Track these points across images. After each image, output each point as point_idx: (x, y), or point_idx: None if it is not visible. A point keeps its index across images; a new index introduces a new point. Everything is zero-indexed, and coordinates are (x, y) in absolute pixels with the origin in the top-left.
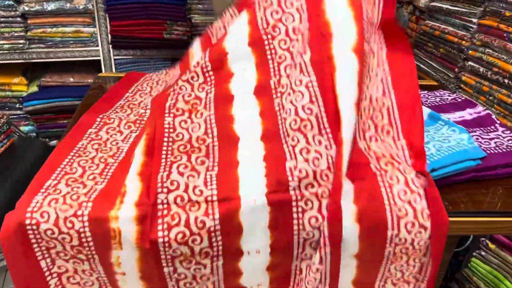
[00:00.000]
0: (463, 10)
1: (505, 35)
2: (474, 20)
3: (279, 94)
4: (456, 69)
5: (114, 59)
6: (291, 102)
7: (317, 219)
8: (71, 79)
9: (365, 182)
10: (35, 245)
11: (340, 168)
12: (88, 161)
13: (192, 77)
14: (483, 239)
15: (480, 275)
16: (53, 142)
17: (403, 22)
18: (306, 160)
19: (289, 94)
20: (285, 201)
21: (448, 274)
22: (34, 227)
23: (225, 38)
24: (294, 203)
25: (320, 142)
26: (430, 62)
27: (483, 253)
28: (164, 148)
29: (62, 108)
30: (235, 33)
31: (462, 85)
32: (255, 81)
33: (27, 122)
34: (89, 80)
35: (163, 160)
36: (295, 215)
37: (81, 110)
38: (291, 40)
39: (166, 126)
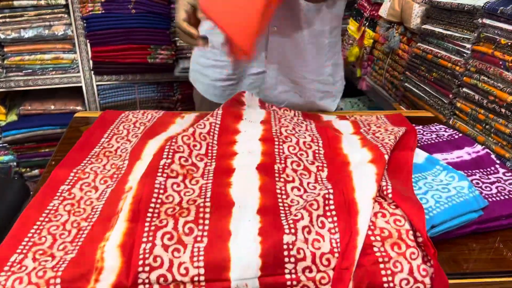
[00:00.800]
0: (456, 34)
1: (500, 63)
2: (468, 46)
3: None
4: (451, 95)
5: (97, 85)
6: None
7: None
8: (52, 107)
9: (367, 270)
10: None
11: (353, 261)
12: (59, 227)
13: (194, 145)
14: None
15: None
16: (35, 171)
17: (393, 43)
18: (306, 241)
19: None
20: (279, 284)
21: None
22: None
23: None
24: None
25: (323, 224)
26: (423, 87)
27: None
28: (150, 210)
29: (44, 137)
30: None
31: (457, 112)
32: (259, 160)
33: (6, 152)
34: (71, 107)
35: (147, 225)
36: None
37: (59, 152)
38: (301, 150)
39: (157, 186)
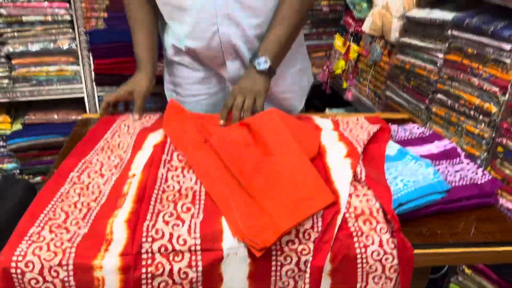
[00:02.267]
0: (430, 46)
1: (469, 70)
2: (440, 56)
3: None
4: (427, 101)
5: (98, 96)
6: None
7: (293, 271)
8: (56, 116)
9: (342, 243)
10: None
11: (332, 235)
12: (71, 206)
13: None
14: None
15: None
16: (37, 179)
17: (376, 55)
18: None
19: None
20: (265, 254)
21: None
22: (20, 276)
23: None
24: (273, 257)
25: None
26: (403, 94)
27: (460, 278)
28: (154, 196)
29: (47, 145)
30: None
31: (433, 116)
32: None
33: (11, 160)
34: (73, 117)
35: (151, 208)
36: (273, 268)
37: (66, 149)
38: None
39: (159, 176)
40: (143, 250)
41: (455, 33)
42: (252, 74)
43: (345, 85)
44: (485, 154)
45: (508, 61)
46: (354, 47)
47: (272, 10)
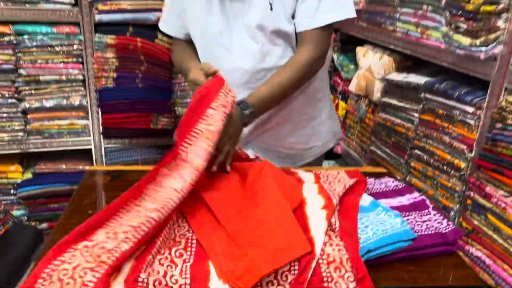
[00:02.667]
0: (407, 106)
1: (440, 129)
2: (416, 115)
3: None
4: (406, 156)
5: (105, 148)
6: None
7: None
8: (64, 166)
9: (315, 286)
10: None
11: (306, 277)
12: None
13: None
14: None
15: None
16: (44, 225)
17: (361, 113)
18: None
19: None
20: None
21: None
22: None
23: None
24: None
25: None
26: (385, 149)
27: None
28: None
29: (54, 193)
30: None
31: (411, 170)
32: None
33: (19, 207)
34: (80, 167)
35: (153, 251)
36: None
37: (76, 197)
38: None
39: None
40: (140, 279)
41: (428, 95)
42: (243, 115)
43: None
44: (457, 206)
45: (472, 122)
46: (342, 104)
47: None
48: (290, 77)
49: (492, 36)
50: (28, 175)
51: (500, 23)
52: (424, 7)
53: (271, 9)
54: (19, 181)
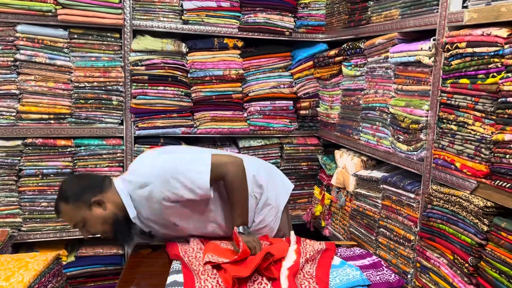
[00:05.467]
0: (373, 195)
1: (395, 211)
2: (379, 201)
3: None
4: (374, 234)
5: None
6: None
7: None
8: (101, 250)
9: None
10: None
11: None
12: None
13: None
14: None
15: None
16: None
17: (342, 202)
18: None
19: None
20: None
21: None
22: None
23: None
24: None
25: None
26: (360, 229)
27: None
28: None
29: (93, 274)
30: None
31: (379, 245)
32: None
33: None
34: (114, 250)
35: None
36: None
37: (124, 276)
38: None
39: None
40: None
41: (385, 186)
42: (247, 233)
43: (323, 223)
44: (412, 270)
45: (414, 205)
46: (327, 195)
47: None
48: (237, 193)
49: (419, 144)
50: (71, 258)
51: (422, 136)
52: (377, 123)
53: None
54: (64, 263)
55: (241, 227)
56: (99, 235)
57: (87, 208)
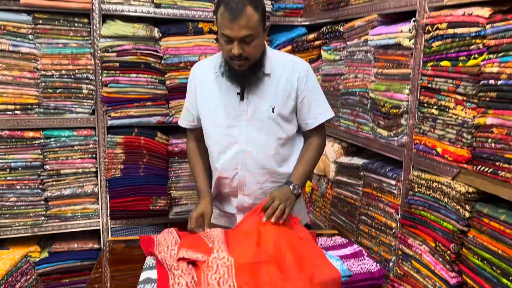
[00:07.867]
0: (353, 182)
1: (376, 198)
2: (360, 189)
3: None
4: (356, 221)
5: (111, 228)
6: None
7: None
8: (76, 245)
9: None
10: None
11: None
12: None
13: None
14: None
15: None
16: None
17: (323, 189)
18: None
19: None
20: None
21: None
22: None
23: None
24: None
25: None
26: (341, 217)
27: None
28: None
29: (68, 269)
30: None
31: (361, 232)
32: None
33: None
34: (90, 245)
35: None
36: None
37: (95, 270)
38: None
39: None
40: None
41: (365, 173)
42: (287, 191)
43: None
44: (393, 258)
45: (395, 191)
46: (308, 183)
47: (275, 165)
48: (314, 155)
49: (400, 129)
50: (45, 254)
51: (403, 120)
52: (357, 108)
53: (273, 111)
54: (37, 259)
55: (296, 186)
56: None
57: (263, 29)
